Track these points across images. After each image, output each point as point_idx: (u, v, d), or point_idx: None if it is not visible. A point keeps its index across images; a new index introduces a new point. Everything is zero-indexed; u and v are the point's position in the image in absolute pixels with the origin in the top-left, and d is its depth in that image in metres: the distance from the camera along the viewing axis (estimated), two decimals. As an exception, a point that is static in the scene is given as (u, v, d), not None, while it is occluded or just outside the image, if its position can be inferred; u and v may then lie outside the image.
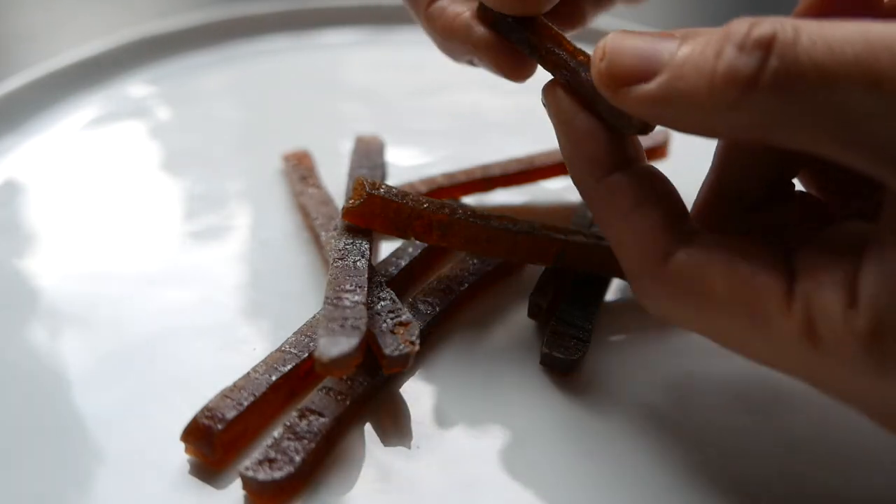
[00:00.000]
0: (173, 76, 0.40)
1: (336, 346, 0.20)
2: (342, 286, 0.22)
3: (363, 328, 0.20)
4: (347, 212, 0.24)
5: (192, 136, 0.36)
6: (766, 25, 0.15)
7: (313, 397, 0.21)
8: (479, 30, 0.24)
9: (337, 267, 0.23)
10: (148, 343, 0.24)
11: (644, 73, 0.17)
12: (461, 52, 0.25)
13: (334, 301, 0.21)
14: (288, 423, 0.20)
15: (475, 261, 0.26)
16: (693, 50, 0.16)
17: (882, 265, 0.15)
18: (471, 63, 0.26)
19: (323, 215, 0.28)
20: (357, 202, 0.24)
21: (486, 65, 0.24)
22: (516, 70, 0.24)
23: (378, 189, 0.24)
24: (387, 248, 0.28)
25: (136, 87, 0.39)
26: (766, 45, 0.15)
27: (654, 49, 0.17)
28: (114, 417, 0.22)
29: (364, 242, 0.24)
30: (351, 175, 0.30)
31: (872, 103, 0.14)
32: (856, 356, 0.16)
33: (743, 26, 0.16)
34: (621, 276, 0.26)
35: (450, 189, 0.30)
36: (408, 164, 0.34)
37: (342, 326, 0.20)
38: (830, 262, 0.16)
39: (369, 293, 0.23)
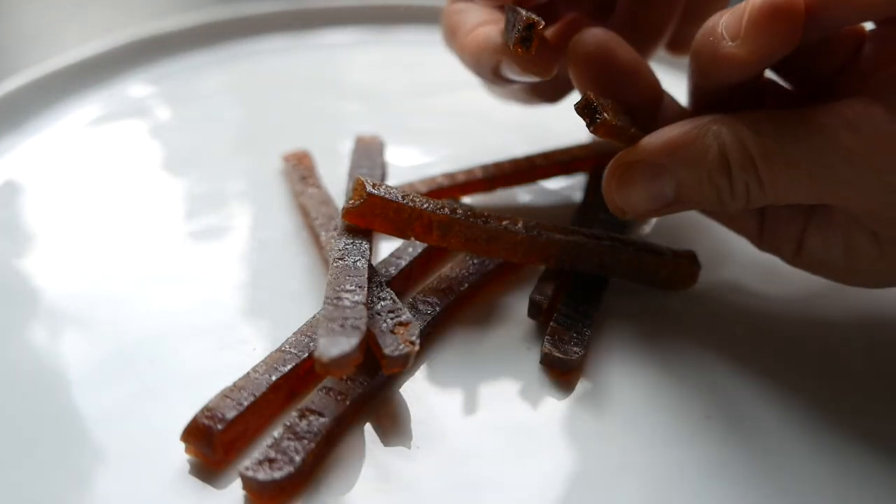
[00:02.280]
0: (173, 76, 0.40)
1: (336, 346, 0.20)
2: (342, 286, 0.22)
3: (363, 328, 0.20)
4: (347, 212, 0.24)
5: (192, 136, 0.36)
6: (736, 154, 0.21)
7: (313, 397, 0.21)
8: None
9: (337, 267, 0.23)
10: (148, 343, 0.24)
11: (659, 210, 0.23)
12: (491, 68, 0.25)
13: (334, 301, 0.21)
14: (288, 423, 0.20)
15: (475, 261, 0.26)
16: (691, 185, 0.22)
17: (820, 234, 0.23)
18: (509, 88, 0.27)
19: (323, 215, 0.28)
20: (357, 202, 0.24)
21: (512, 66, 0.24)
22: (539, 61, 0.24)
23: (378, 189, 0.24)
24: (387, 247, 0.28)
25: (136, 87, 0.39)
26: (752, 169, 0.21)
27: (658, 193, 0.23)
28: (114, 417, 0.22)
29: (364, 242, 0.24)
30: (351, 175, 0.30)
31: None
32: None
33: (713, 151, 0.21)
34: (621, 277, 0.26)
35: (450, 189, 0.30)
36: (408, 165, 0.34)
37: (342, 326, 0.20)
38: (789, 219, 0.24)
39: (369, 293, 0.23)
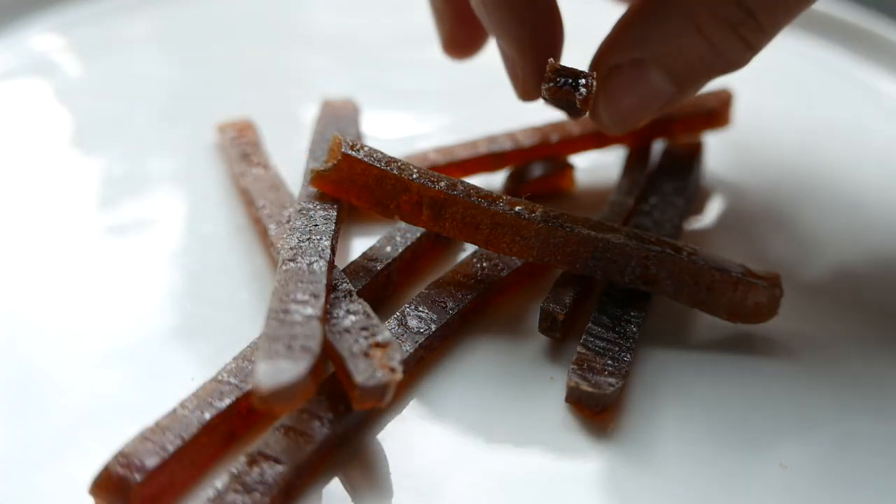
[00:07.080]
0: (86, 23, 0.41)
1: (279, 373, 0.20)
2: (292, 295, 0.22)
3: (316, 349, 0.21)
4: (318, 177, 0.25)
5: (109, 100, 0.36)
6: None
7: (268, 439, 0.21)
8: None
9: (286, 271, 0.23)
10: (51, 371, 0.25)
11: (663, 109, 0.26)
12: None
13: (281, 315, 0.21)
14: (235, 472, 0.21)
15: (486, 263, 0.27)
16: (681, 58, 0.25)
17: None
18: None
19: (272, 203, 0.28)
20: (331, 165, 0.24)
21: None
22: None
23: (358, 151, 0.25)
24: (361, 243, 0.28)
25: (39, 37, 0.40)
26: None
27: (652, 92, 0.25)
28: (6, 467, 0.22)
29: (324, 238, 0.24)
30: (312, 151, 0.30)
31: None
32: None
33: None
34: (670, 296, 0.25)
35: (447, 168, 0.30)
36: (392, 137, 0.34)
37: (288, 347, 0.20)
38: None
39: (334, 305, 0.23)
